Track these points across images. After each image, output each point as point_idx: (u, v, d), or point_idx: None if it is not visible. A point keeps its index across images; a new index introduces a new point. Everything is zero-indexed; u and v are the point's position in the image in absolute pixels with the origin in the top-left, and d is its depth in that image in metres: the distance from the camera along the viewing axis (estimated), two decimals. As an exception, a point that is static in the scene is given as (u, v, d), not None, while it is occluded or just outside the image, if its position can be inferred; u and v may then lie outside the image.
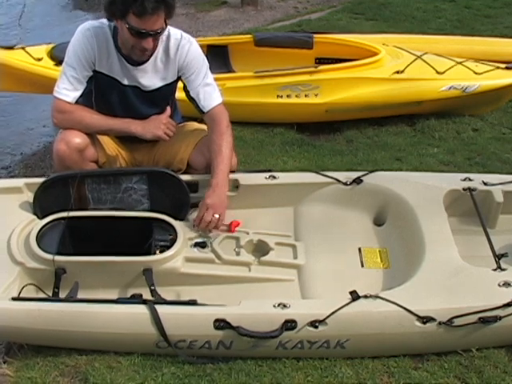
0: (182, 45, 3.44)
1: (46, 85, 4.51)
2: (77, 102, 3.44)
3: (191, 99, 3.53)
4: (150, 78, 3.48)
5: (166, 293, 3.06)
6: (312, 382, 2.85)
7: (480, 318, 2.82)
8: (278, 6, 9.04)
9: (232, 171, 3.52)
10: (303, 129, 5.30)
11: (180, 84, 3.61)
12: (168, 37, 3.41)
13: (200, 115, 3.59)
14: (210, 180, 3.37)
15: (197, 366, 2.90)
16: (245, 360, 2.93)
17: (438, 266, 3.02)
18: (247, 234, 3.41)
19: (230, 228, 3.39)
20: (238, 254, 3.29)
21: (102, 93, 3.50)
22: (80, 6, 9.47)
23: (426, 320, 2.80)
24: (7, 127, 6.05)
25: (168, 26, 3.34)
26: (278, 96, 5.11)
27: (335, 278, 3.22)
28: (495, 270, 3.05)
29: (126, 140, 3.69)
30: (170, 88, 3.58)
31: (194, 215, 3.44)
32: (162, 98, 3.57)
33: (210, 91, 3.51)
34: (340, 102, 5.07)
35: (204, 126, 3.69)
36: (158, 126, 3.51)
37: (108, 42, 3.37)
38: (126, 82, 3.46)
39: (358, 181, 3.58)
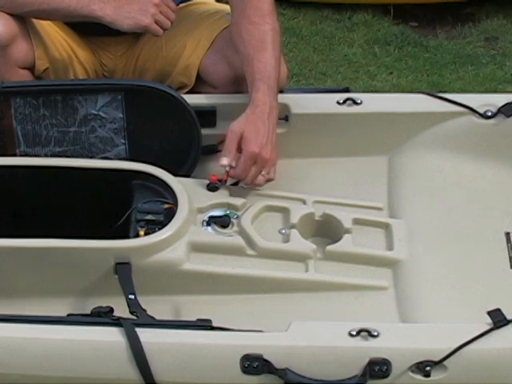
0: None
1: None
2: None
3: None
4: None
5: (154, 306, 2.13)
6: None
7: None
8: None
9: (280, 91, 2.49)
10: (406, 15, 4.21)
11: None
12: None
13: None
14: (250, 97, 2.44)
15: None
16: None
17: None
18: (303, 202, 2.40)
19: None
20: (286, 238, 2.31)
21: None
22: None
23: None
24: None
25: None
26: None
27: (461, 286, 2.28)
28: None
29: (87, 32, 2.73)
30: None
31: (208, 166, 2.54)
32: None
33: None
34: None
35: (226, 7, 2.68)
36: (144, 8, 2.54)
37: None
38: None
39: (506, 110, 2.57)
